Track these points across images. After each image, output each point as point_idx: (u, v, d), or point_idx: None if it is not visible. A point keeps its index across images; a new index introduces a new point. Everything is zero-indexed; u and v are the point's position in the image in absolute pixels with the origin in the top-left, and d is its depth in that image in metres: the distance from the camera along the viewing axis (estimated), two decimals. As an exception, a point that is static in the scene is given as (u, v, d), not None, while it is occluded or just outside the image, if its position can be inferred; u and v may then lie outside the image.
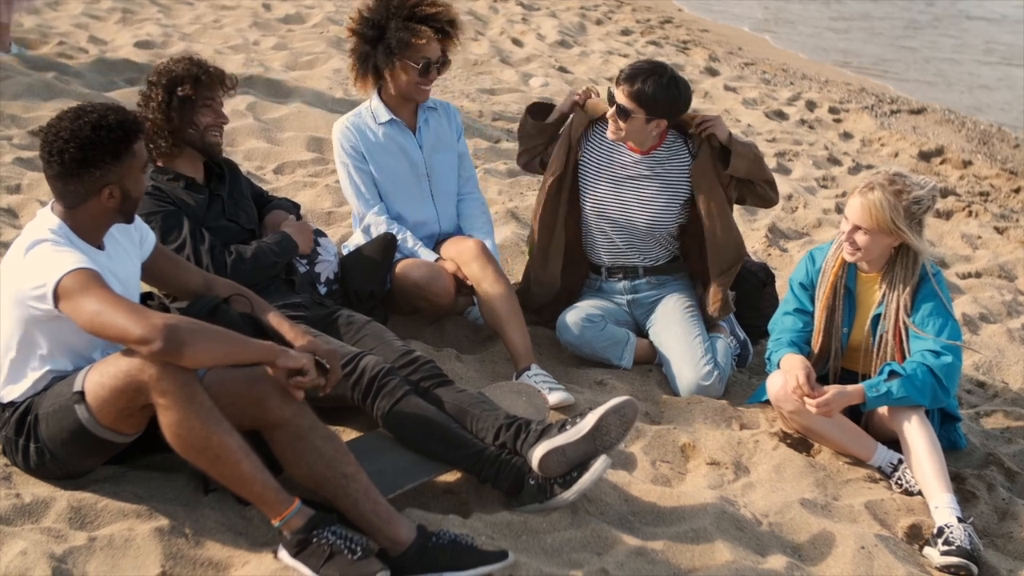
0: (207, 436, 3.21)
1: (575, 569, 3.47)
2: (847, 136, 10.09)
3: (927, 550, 3.96)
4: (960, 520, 3.98)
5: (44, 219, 3.45)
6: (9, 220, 5.58)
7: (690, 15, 15.92)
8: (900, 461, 4.38)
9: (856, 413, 4.48)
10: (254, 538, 3.47)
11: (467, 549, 3.35)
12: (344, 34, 5.05)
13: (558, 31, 12.24)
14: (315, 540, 3.26)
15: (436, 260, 4.96)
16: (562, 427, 3.76)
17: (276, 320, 3.70)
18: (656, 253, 5.14)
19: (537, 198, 5.14)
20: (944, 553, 3.89)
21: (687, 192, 5.05)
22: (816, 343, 4.54)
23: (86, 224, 3.44)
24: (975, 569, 3.88)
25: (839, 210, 7.43)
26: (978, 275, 6.89)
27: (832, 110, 10.79)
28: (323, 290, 4.75)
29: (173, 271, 3.85)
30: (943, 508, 4.04)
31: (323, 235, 4.85)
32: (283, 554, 3.29)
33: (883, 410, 4.34)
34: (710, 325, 5.11)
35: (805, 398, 4.26)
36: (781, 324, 4.61)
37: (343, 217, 6.13)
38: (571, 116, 5.09)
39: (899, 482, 4.36)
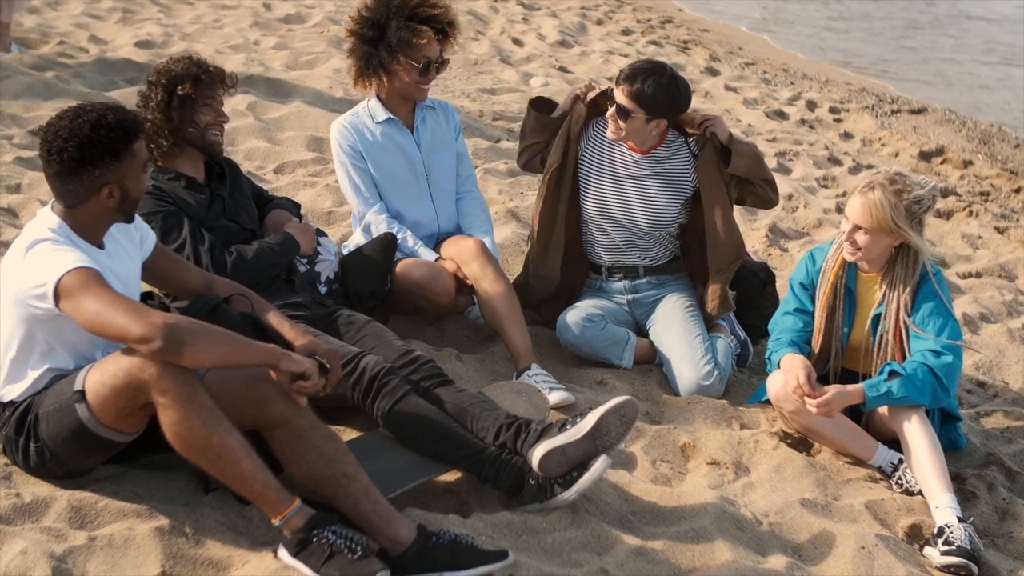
0: (208, 435, 3.21)
1: (575, 569, 3.47)
2: (847, 136, 10.08)
3: (927, 550, 3.96)
4: (960, 520, 3.98)
5: (44, 218, 3.45)
6: (9, 220, 5.58)
7: (691, 15, 15.92)
8: (900, 461, 4.38)
9: (856, 413, 4.48)
10: (254, 538, 3.46)
11: (467, 549, 3.35)
12: (344, 34, 5.05)
13: (559, 31, 12.24)
14: (315, 539, 3.25)
15: (436, 260, 4.96)
16: (562, 427, 3.76)
17: (276, 320, 3.70)
18: (656, 253, 5.14)
19: (537, 191, 5.14)
20: (944, 553, 3.89)
21: (687, 191, 5.06)
22: (816, 343, 4.54)
23: (86, 223, 3.44)
24: (975, 569, 3.87)
25: (839, 210, 7.43)
26: (978, 275, 6.89)
27: (832, 110, 10.79)
28: (323, 290, 4.75)
29: (173, 271, 3.85)
30: (943, 508, 4.04)
31: (323, 235, 4.86)
32: (283, 553, 3.29)
33: (883, 410, 4.34)
34: (710, 325, 5.11)
35: (805, 398, 4.26)
36: (781, 324, 4.61)
37: (343, 217, 6.13)
38: (572, 110, 5.09)
39: (899, 482, 4.36)
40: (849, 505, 4.15)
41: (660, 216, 5.04)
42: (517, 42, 11.57)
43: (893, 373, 4.27)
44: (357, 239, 5.08)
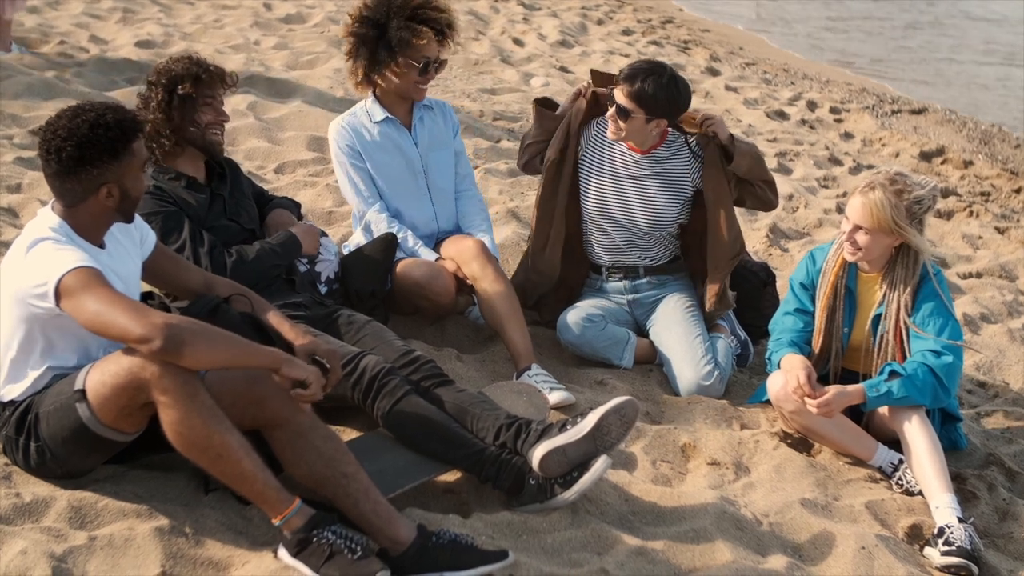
0: (208, 435, 3.21)
1: (575, 569, 3.47)
2: (848, 136, 10.08)
3: (928, 550, 3.96)
4: (961, 520, 3.98)
5: (45, 218, 3.45)
6: (10, 219, 5.58)
7: (691, 15, 15.91)
8: (901, 461, 4.38)
9: (857, 413, 4.48)
10: (254, 538, 3.46)
11: (467, 549, 3.35)
12: (343, 33, 5.05)
13: (559, 31, 12.24)
14: (315, 539, 3.25)
15: (436, 259, 4.96)
16: (563, 427, 3.76)
17: (276, 320, 3.70)
18: (656, 253, 5.14)
19: (539, 184, 5.15)
20: (945, 553, 3.88)
21: (687, 191, 5.06)
22: (817, 343, 4.54)
23: (86, 223, 3.44)
24: (975, 569, 3.87)
25: (840, 210, 7.42)
26: (979, 275, 6.89)
27: (833, 110, 10.79)
28: (324, 289, 4.75)
29: (174, 270, 3.85)
30: (944, 508, 4.04)
31: (324, 235, 4.85)
32: (283, 553, 3.29)
33: (884, 410, 4.34)
34: (711, 325, 5.11)
35: (805, 398, 4.26)
36: (782, 324, 4.61)
37: (344, 217, 6.13)
38: (572, 105, 5.09)
39: (900, 482, 4.35)
40: (849, 505, 4.15)
41: (660, 216, 5.04)
42: (518, 42, 11.57)
43: (893, 373, 4.27)
44: (357, 239, 5.08)
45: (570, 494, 3.70)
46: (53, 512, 3.38)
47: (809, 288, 4.57)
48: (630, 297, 5.17)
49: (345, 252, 5.04)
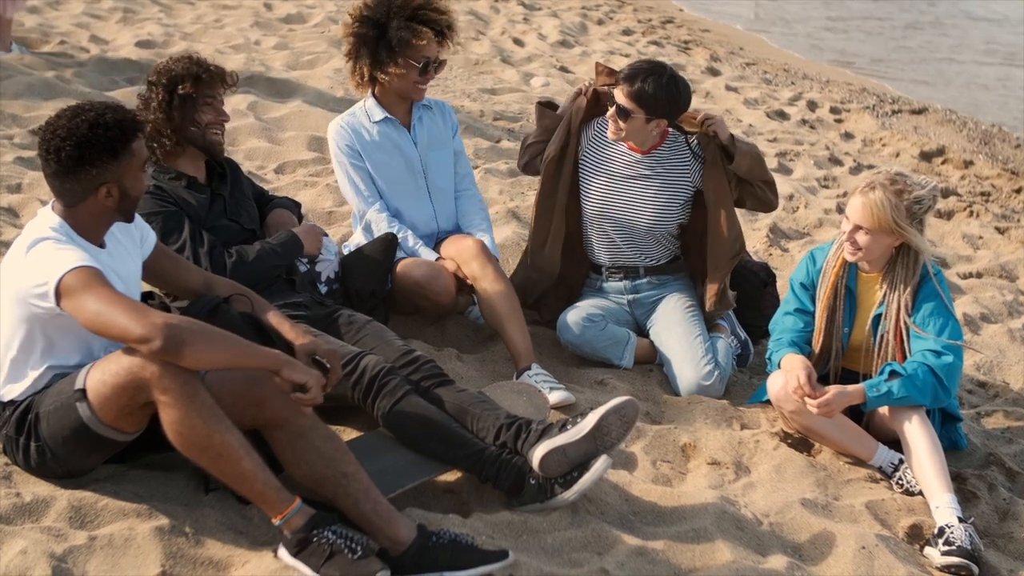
0: (208, 434, 3.21)
1: (575, 568, 3.47)
2: (848, 136, 10.08)
3: (928, 550, 3.96)
4: (961, 520, 3.98)
5: (45, 218, 3.45)
6: (10, 219, 5.58)
7: (691, 15, 15.91)
8: (901, 461, 4.38)
9: (857, 413, 4.48)
10: (254, 537, 3.46)
11: (467, 549, 3.35)
12: (342, 33, 5.05)
13: (559, 31, 12.24)
14: (315, 539, 3.25)
15: (437, 259, 4.96)
16: (563, 427, 3.76)
17: (276, 319, 3.70)
18: (657, 253, 5.14)
19: (539, 181, 5.16)
20: (945, 553, 3.88)
21: (688, 191, 5.06)
22: (817, 343, 4.53)
23: (86, 222, 3.44)
24: (976, 569, 3.87)
25: (840, 210, 7.42)
26: (979, 275, 6.89)
27: (833, 110, 10.79)
28: (324, 289, 4.75)
29: (174, 270, 3.85)
30: (944, 508, 4.04)
31: (324, 234, 4.85)
32: (283, 553, 3.29)
33: (884, 410, 4.34)
34: (711, 325, 5.11)
35: (806, 398, 4.26)
36: (782, 324, 4.60)
37: (344, 216, 6.13)
38: (573, 103, 5.10)
39: (900, 482, 4.35)
40: (849, 505, 4.15)
41: (660, 216, 5.04)
42: (518, 42, 11.57)
43: (894, 373, 4.27)
44: (357, 239, 5.09)
45: (570, 494, 3.70)
46: (53, 512, 3.38)
47: (809, 288, 4.57)
48: (630, 297, 5.17)
49: (345, 252, 5.04)
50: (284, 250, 4.46)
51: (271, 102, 8.04)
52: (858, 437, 4.46)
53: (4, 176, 6.09)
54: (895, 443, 4.39)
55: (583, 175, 5.09)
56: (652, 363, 5.06)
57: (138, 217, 3.70)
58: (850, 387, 4.28)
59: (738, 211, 5.12)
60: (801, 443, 4.54)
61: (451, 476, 3.91)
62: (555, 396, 4.48)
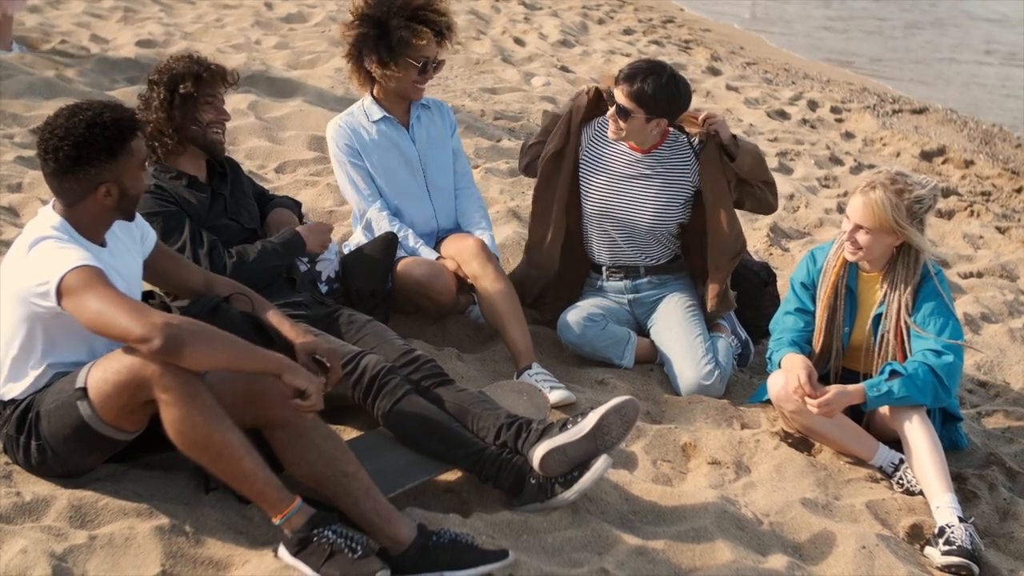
0: (209, 433, 3.21)
1: (576, 568, 3.47)
2: (849, 136, 10.08)
3: (928, 550, 3.96)
4: (961, 520, 3.98)
5: (46, 217, 3.45)
6: (10, 219, 5.58)
7: (692, 15, 15.91)
8: (901, 461, 4.38)
9: (857, 413, 4.47)
10: (255, 537, 3.46)
11: (467, 548, 3.35)
12: (342, 32, 5.06)
13: (560, 30, 12.24)
14: (316, 539, 3.25)
15: (437, 258, 4.96)
16: (563, 426, 3.76)
17: (276, 319, 3.69)
18: (657, 252, 5.14)
19: (537, 178, 5.17)
20: (945, 553, 3.88)
21: (688, 191, 5.06)
22: (817, 343, 4.53)
23: (86, 222, 3.44)
24: (976, 569, 3.87)
25: (841, 210, 7.42)
26: (980, 275, 6.89)
27: (834, 110, 10.79)
28: (324, 289, 4.75)
29: (174, 269, 3.85)
30: (944, 508, 4.04)
31: (331, 230, 4.84)
32: (283, 553, 3.29)
33: (884, 410, 4.34)
34: (711, 324, 5.11)
35: (806, 398, 4.26)
36: (782, 324, 4.60)
37: (344, 216, 6.13)
38: (574, 101, 5.11)
39: (900, 482, 4.35)
40: (850, 505, 4.15)
41: (660, 216, 5.04)
42: (519, 42, 11.57)
43: (894, 373, 4.26)
44: (358, 238, 5.09)
45: (570, 493, 3.70)
46: (53, 511, 3.38)
47: (810, 288, 4.57)
48: (631, 296, 5.16)
49: (345, 251, 5.04)
50: (286, 249, 4.46)
51: (272, 101, 8.04)
52: (858, 437, 4.46)
53: (5, 175, 6.09)
54: (895, 443, 4.38)
55: (584, 174, 5.09)
56: (652, 363, 5.06)
57: (138, 216, 3.70)
58: (850, 387, 4.27)
59: (738, 212, 5.12)
60: (801, 443, 4.54)
61: (451, 476, 3.91)
62: (555, 395, 4.48)
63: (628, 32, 13.13)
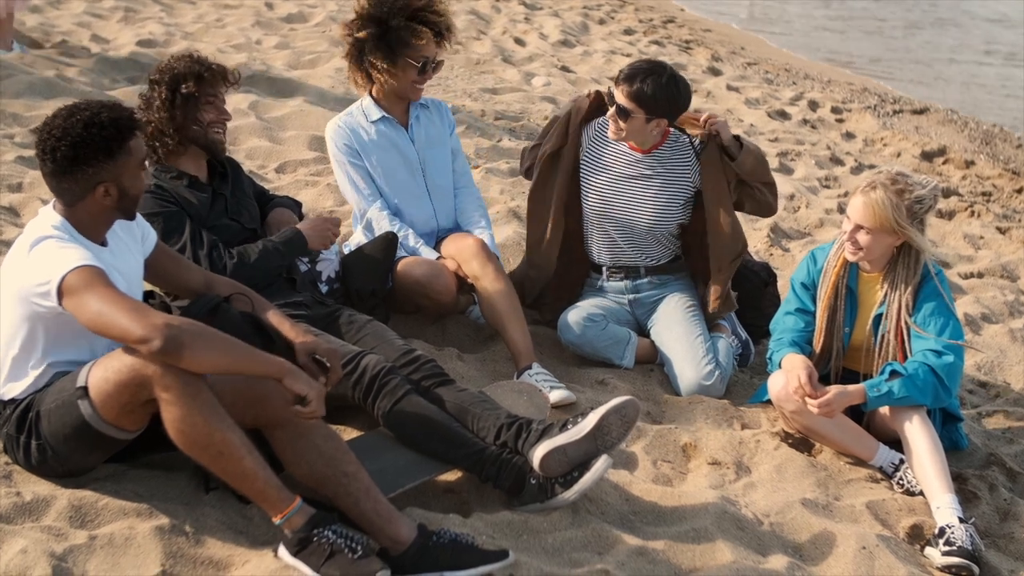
0: (210, 432, 3.21)
1: (576, 568, 3.46)
2: (849, 136, 10.08)
3: (928, 550, 3.96)
4: (962, 520, 3.98)
5: (47, 216, 3.45)
6: (10, 218, 5.58)
7: (692, 15, 15.91)
8: (901, 461, 4.37)
9: (857, 413, 4.47)
10: (255, 537, 3.46)
11: (468, 548, 3.35)
12: (342, 31, 5.06)
13: (561, 30, 12.24)
14: (316, 539, 3.25)
15: (437, 258, 4.96)
16: (563, 426, 3.76)
17: (276, 319, 3.69)
18: (657, 253, 5.14)
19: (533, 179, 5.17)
20: (945, 553, 3.88)
21: (688, 191, 5.05)
22: (818, 343, 4.53)
23: (86, 221, 3.43)
24: (976, 569, 3.87)
25: (841, 210, 7.42)
26: (980, 275, 6.89)
27: (834, 110, 10.78)
28: (324, 289, 4.75)
29: (175, 269, 3.85)
30: (944, 508, 4.04)
31: (338, 225, 4.83)
32: (283, 553, 3.29)
33: (884, 410, 4.34)
34: (712, 324, 5.11)
35: (806, 398, 4.26)
36: (783, 324, 4.60)
37: (345, 216, 6.12)
38: (573, 103, 5.11)
39: (900, 482, 4.35)
40: (850, 505, 4.15)
41: (661, 216, 5.03)
42: (519, 42, 11.57)
43: (894, 373, 4.26)
44: (358, 238, 5.09)
45: (571, 494, 3.70)
46: (53, 511, 3.38)
47: (810, 288, 4.57)
48: (631, 297, 5.16)
49: (346, 251, 5.04)
50: (287, 248, 4.45)
51: (272, 101, 8.04)
52: (859, 437, 4.46)
53: (5, 175, 6.09)
54: (896, 443, 4.38)
55: (584, 174, 5.09)
56: (653, 363, 5.06)
57: (139, 215, 3.69)
58: (851, 387, 4.27)
59: (738, 212, 5.11)
60: (802, 443, 4.54)
61: (451, 476, 3.91)
62: (556, 395, 4.47)
63: (629, 32, 13.13)
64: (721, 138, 4.91)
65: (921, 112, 11.29)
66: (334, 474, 3.40)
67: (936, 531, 3.98)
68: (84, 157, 3.33)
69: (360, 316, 4.39)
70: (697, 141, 5.02)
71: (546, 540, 3.60)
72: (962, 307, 6.13)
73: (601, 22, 13.45)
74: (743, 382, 5.07)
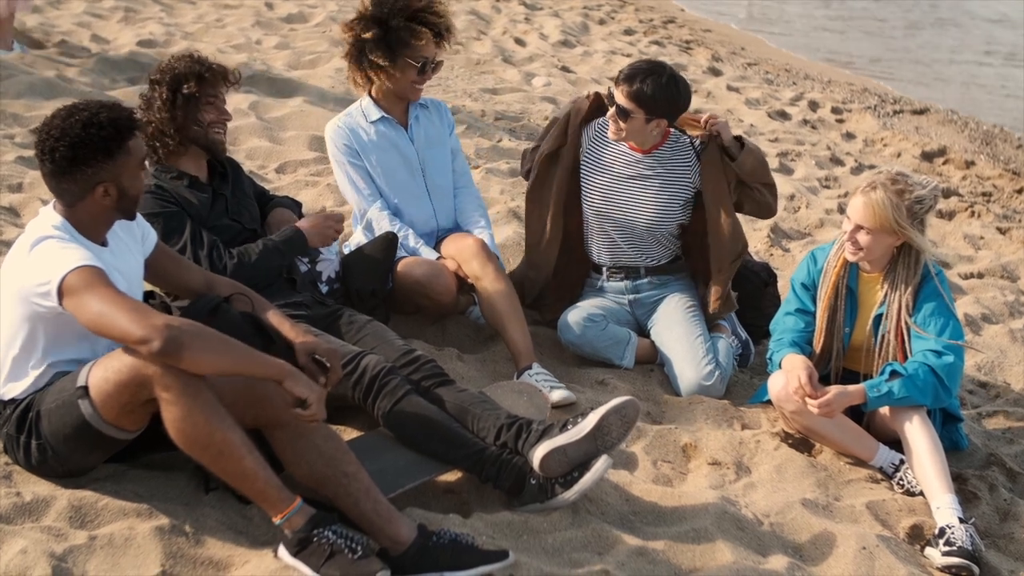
0: (210, 432, 3.20)
1: (576, 569, 3.46)
2: (850, 136, 10.08)
3: (928, 551, 3.96)
4: (962, 521, 3.98)
5: (47, 216, 3.45)
6: (11, 219, 5.58)
7: (693, 15, 15.91)
8: (902, 461, 4.37)
9: (858, 413, 4.47)
10: (255, 537, 3.46)
11: (468, 549, 3.35)
12: (342, 31, 5.06)
13: (561, 31, 12.24)
14: (316, 539, 3.25)
15: (437, 258, 4.96)
16: (563, 427, 3.76)
17: (276, 319, 3.69)
18: (658, 253, 5.14)
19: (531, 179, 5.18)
20: (945, 554, 3.88)
21: (688, 192, 5.05)
22: (818, 343, 4.53)
23: (86, 222, 3.43)
24: (976, 570, 3.87)
25: (841, 210, 7.42)
26: (980, 275, 6.89)
27: (835, 110, 10.78)
28: (324, 289, 4.75)
29: (175, 270, 3.85)
30: (944, 508, 4.03)
31: (341, 221, 4.83)
32: (283, 553, 3.29)
33: (885, 410, 4.34)
34: (712, 325, 5.11)
35: (806, 398, 4.26)
36: (783, 324, 4.60)
37: (345, 216, 6.12)
38: (573, 104, 5.12)
39: (900, 482, 4.35)
40: (850, 506, 4.15)
41: (660, 216, 5.03)
42: (519, 42, 11.57)
43: (894, 373, 4.26)
44: (358, 238, 5.09)
45: (571, 494, 3.70)
46: (53, 511, 3.38)
47: (810, 288, 4.57)
48: (631, 297, 5.16)
49: (346, 251, 5.04)
50: (287, 247, 4.45)
51: (272, 101, 8.04)
52: (859, 437, 4.46)
53: (5, 175, 6.09)
54: (896, 443, 4.38)
55: (584, 175, 5.09)
56: (653, 363, 5.06)
57: (139, 215, 3.69)
58: (851, 387, 4.27)
59: (738, 214, 5.11)
60: (802, 443, 4.54)
61: (451, 476, 3.91)
62: (556, 395, 4.48)
63: (629, 32, 13.13)
64: (722, 139, 4.91)
65: (921, 112, 11.29)
66: (334, 474, 3.40)
67: (936, 531, 3.98)
68: (83, 157, 3.33)
69: (360, 316, 4.39)
70: (697, 142, 5.02)
71: (546, 540, 3.60)
72: (962, 307, 6.13)
73: (601, 22, 13.45)
74: (743, 382, 5.07)
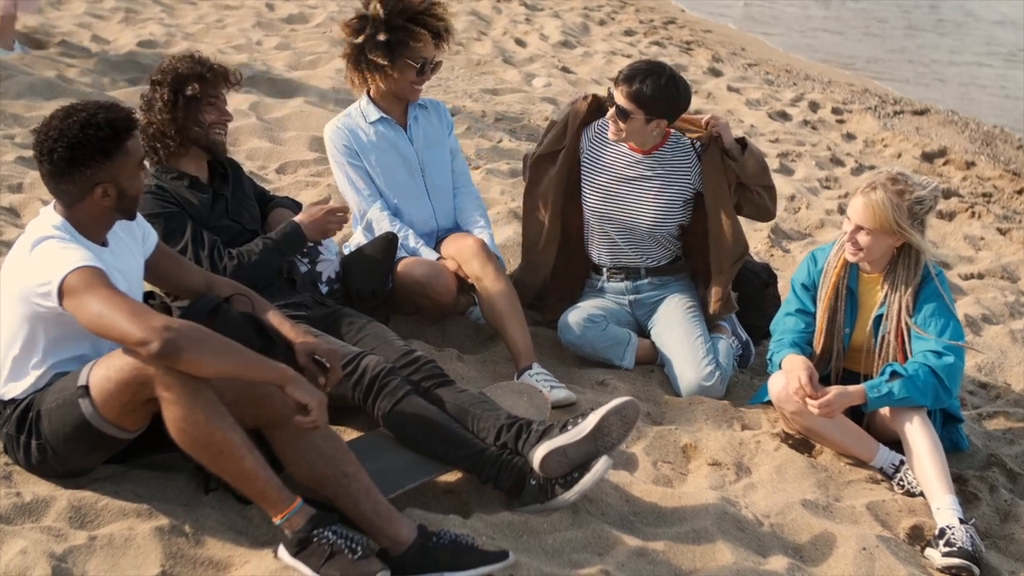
0: (211, 431, 3.20)
1: (576, 569, 3.46)
2: (850, 137, 10.08)
3: (929, 551, 3.96)
4: (962, 521, 3.98)
5: (47, 217, 3.45)
6: (11, 219, 5.58)
7: (693, 16, 15.91)
8: (902, 462, 4.37)
9: (858, 414, 4.47)
10: (254, 537, 3.46)
11: (468, 549, 3.35)
12: (341, 32, 5.06)
13: (561, 31, 12.24)
14: (316, 539, 3.25)
15: (438, 259, 4.96)
16: (563, 427, 3.76)
17: (276, 319, 3.69)
18: (658, 254, 5.14)
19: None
20: (946, 554, 3.88)
21: (688, 192, 5.05)
22: (818, 344, 4.53)
23: (86, 222, 3.43)
24: (976, 570, 3.87)
25: (842, 211, 7.42)
26: (981, 276, 6.89)
27: (835, 111, 10.78)
28: (324, 289, 4.75)
29: (175, 270, 3.85)
30: (945, 509, 4.03)
31: (342, 212, 4.83)
32: (283, 553, 3.28)
33: (885, 411, 4.34)
34: (712, 325, 5.11)
35: (807, 399, 4.26)
36: (783, 325, 4.60)
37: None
38: (572, 106, 5.12)
39: (901, 483, 4.35)
40: (850, 506, 4.15)
41: (660, 217, 5.03)
42: (520, 43, 11.57)
43: (895, 374, 4.26)
44: (358, 239, 5.09)
45: (571, 495, 3.70)
46: (53, 511, 3.38)
47: (810, 289, 4.57)
48: (631, 298, 5.16)
49: (346, 252, 5.04)
50: (286, 243, 4.44)
51: (273, 102, 8.04)
52: (859, 438, 4.46)
53: (5, 176, 6.09)
54: (896, 444, 4.38)
55: (584, 176, 5.09)
56: (653, 364, 5.06)
57: (139, 215, 3.69)
58: (851, 388, 4.27)
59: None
60: (802, 444, 4.54)
61: (451, 476, 3.91)
62: (556, 395, 4.48)
63: (629, 33, 13.13)
64: (723, 140, 4.90)
65: (922, 113, 11.29)
66: (334, 474, 3.40)
67: (936, 532, 3.98)
68: (81, 158, 3.33)
69: (360, 317, 4.39)
70: (698, 143, 5.02)
71: (546, 541, 3.60)
72: (962, 308, 6.13)
73: (602, 23, 13.45)
74: (743, 383, 5.07)
